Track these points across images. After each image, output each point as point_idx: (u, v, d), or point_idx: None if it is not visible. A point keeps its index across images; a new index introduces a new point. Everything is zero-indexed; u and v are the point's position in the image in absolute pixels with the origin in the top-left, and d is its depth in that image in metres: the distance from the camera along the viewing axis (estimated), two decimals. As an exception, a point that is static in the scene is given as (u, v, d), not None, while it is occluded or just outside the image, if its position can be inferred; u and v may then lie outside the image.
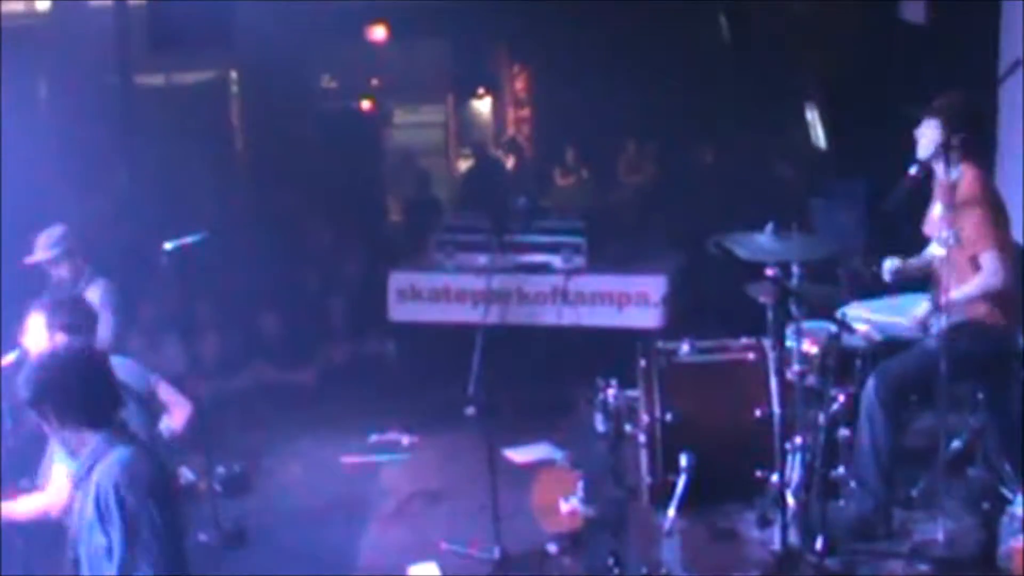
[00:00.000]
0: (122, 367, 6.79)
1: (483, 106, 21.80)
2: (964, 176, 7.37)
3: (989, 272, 7.25)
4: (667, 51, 16.69)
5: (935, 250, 7.60)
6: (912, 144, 7.59)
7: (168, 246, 9.25)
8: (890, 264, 7.89)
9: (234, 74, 17.78)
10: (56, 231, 8.81)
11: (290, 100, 17.30)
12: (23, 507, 6.27)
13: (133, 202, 13.70)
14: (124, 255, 11.92)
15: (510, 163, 18.70)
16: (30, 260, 8.72)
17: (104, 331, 8.17)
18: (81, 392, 5.23)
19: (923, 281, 7.89)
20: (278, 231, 14.16)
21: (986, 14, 10.57)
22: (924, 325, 7.48)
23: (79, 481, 5.27)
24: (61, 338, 6.67)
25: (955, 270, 7.26)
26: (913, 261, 7.93)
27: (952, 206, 7.28)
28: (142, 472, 5.23)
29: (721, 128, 15.99)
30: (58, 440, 5.34)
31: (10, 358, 6.99)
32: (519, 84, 21.25)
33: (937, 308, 7.31)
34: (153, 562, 5.04)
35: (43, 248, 8.75)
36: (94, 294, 8.51)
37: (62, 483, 6.01)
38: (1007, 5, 10.36)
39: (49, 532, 6.16)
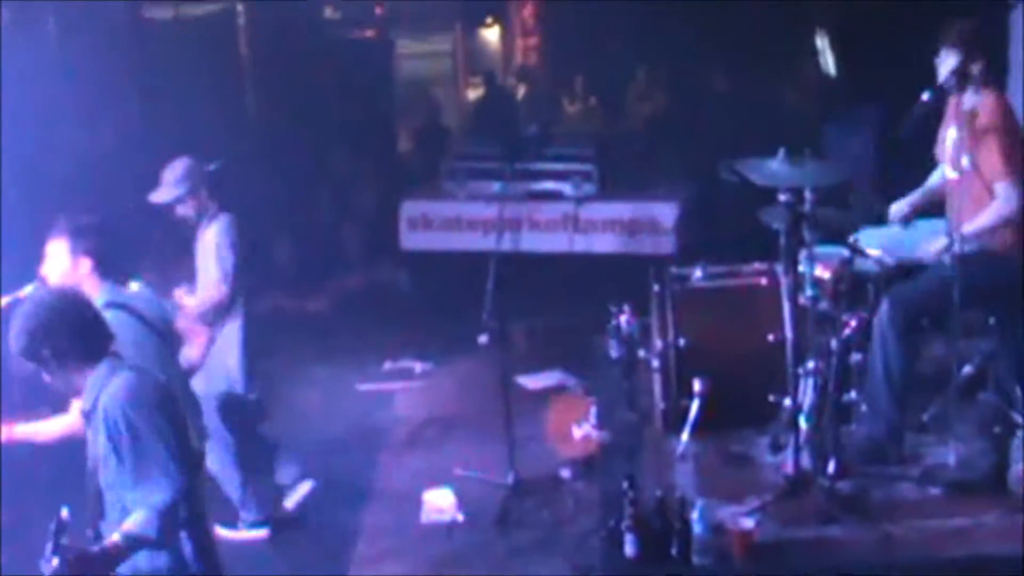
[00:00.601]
0: (138, 297, 6.80)
1: (491, 35, 21.71)
2: (984, 102, 7.35)
3: (1003, 200, 7.25)
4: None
5: (948, 173, 7.61)
6: (924, 68, 7.58)
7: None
8: (897, 209, 7.91)
9: (240, 6, 17.68)
10: (179, 166, 8.19)
11: (297, 30, 17.20)
12: (47, 428, 6.29)
13: (144, 134, 13.70)
14: (136, 185, 11.95)
15: (521, 92, 18.63)
16: (155, 199, 8.19)
17: (221, 267, 8.11)
18: (74, 331, 5.27)
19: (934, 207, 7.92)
20: (289, 162, 14.16)
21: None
22: (942, 257, 7.45)
23: (89, 414, 5.33)
24: (86, 263, 6.65)
25: (970, 196, 7.27)
26: (917, 196, 7.96)
27: (971, 131, 7.29)
28: (146, 392, 5.31)
29: (732, 55, 15.90)
30: (60, 383, 5.37)
31: (28, 290, 6.96)
32: (527, 11, 21.15)
33: (951, 234, 7.30)
34: (171, 478, 5.12)
35: (168, 186, 8.17)
36: (213, 231, 8.20)
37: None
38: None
39: (74, 460, 6.21)
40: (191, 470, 5.38)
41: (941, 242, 7.42)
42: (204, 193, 8.22)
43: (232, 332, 8.26)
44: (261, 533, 8.29)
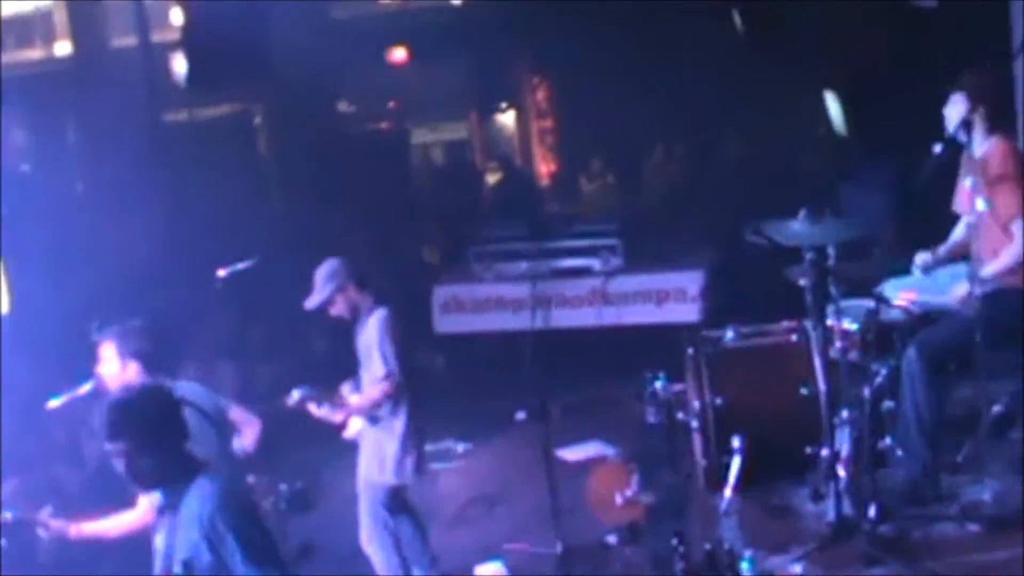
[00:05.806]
0: (193, 391, 6.97)
1: (507, 119, 21.96)
2: (994, 149, 7.58)
3: (1019, 240, 7.46)
4: (684, 49, 16.81)
5: (967, 220, 7.83)
6: (933, 123, 7.81)
7: (222, 273, 9.47)
8: (921, 260, 8.10)
9: (256, 106, 17.97)
10: (324, 268, 8.18)
11: (315, 127, 17.46)
12: (113, 524, 6.46)
13: (171, 235, 13.90)
14: (169, 286, 12.17)
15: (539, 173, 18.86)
16: (310, 304, 8.17)
17: (385, 362, 7.99)
18: (157, 427, 5.39)
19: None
20: (315, 256, 14.35)
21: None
22: (966, 303, 7.61)
23: (167, 509, 5.47)
24: (134, 366, 6.87)
25: (987, 239, 7.49)
26: (942, 250, 8.15)
27: (984, 178, 7.51)
28: (235, 493, 5.52)
29: (746, 122, 16.11)
30: (134, 474, 5.41)
31: (85, 388, 7.18)
32: (540, 95, 21.39)
33: (974, 278, 7.50)
34: (277, 567, 5.31)
35: (317, 290, 8.15)
36: (371, 327, 8.10)
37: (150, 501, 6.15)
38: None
39: (137, 553, 6.35)
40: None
41: (963, 288, 7.60)
42: (352, 290, 8.14)
43: (395, 424, 8.26)
44: None
